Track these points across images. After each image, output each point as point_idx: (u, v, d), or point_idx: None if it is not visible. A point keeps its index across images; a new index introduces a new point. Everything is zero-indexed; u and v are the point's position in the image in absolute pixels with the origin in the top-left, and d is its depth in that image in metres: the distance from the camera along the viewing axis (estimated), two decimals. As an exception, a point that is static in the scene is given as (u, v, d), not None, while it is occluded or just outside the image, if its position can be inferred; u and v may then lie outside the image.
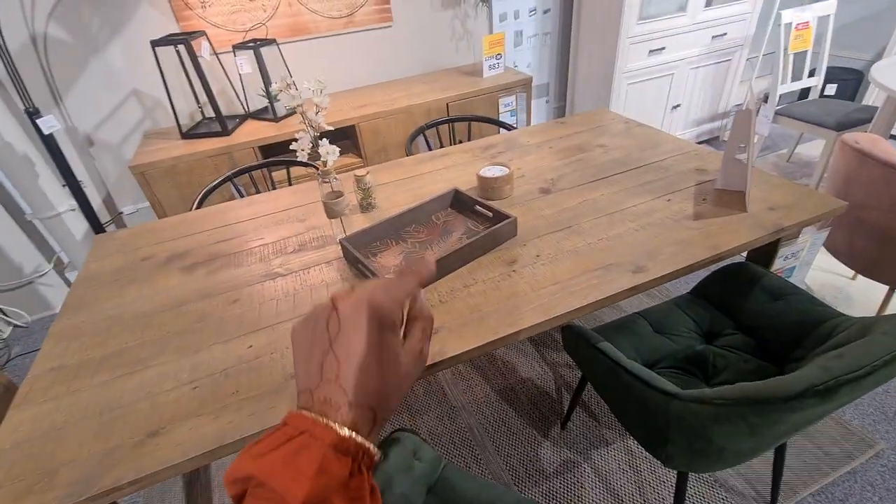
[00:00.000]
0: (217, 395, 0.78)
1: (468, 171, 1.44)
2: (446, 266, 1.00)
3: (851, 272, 1.89)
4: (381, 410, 0.31)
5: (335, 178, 1.08)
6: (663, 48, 2.53)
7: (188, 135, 1.98)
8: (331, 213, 1.10)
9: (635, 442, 1.38)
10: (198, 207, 1.50)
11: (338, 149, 1.07)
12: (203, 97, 2.00)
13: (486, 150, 1.57)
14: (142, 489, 0.70)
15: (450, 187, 1.27)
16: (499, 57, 2.32)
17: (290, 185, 1.66)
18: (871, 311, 1.72)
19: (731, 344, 1.10)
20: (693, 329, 1.17)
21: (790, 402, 0.64)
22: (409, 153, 1.73)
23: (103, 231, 1.99)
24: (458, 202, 1.24)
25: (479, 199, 1.17)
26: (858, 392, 0.65)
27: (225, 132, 1.93)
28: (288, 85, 0.96)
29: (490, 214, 1.15)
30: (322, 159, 1.02)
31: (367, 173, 1.23)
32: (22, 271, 2.05)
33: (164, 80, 1.87)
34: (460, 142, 2.03)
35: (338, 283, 1.02)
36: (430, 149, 1.89)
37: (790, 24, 2.37)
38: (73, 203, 1.95)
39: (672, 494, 1.25)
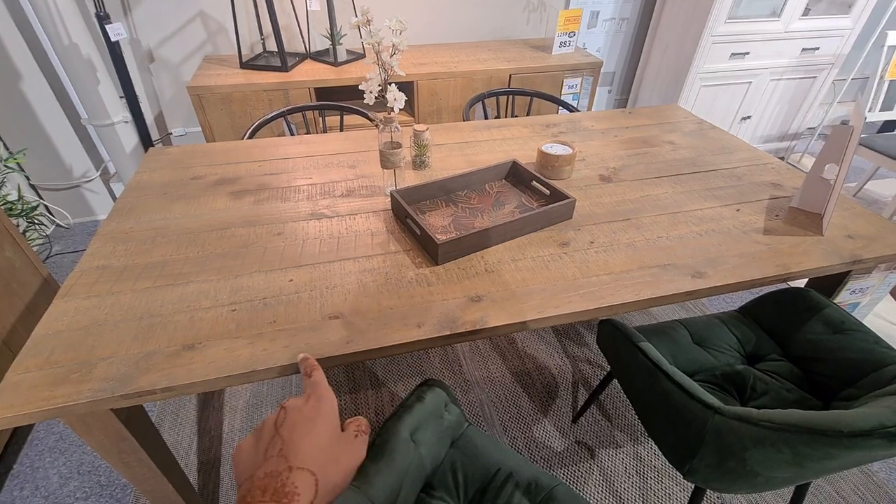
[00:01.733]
0: (254, 322, 0.78)
1: (526, 147, 1.38)
2: (496, 236, 0.96)
3: (904, 322, 1.78)
4: (321, 477, 0.33)
5: (397, 127, 1.05)
6: (747, 53, 2.37)
7: (247, 65, 1.96)
8: (386, 162, 1.07)
9: (646, 449, 1.35)
10: (249, 138, 1.49)
11: (405, 97, 1.03)
12: (268, 28, 1.96)
13: (548, 128, 1.50)
14: (172, 398, 0.70)
15: (506, 159, 1.23)
16: (572, 35, 2.21)
17: (342, 132, 1.64)
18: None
19: (775, 370, 1.05)
20: (735, 347, 1.11)
21: (854, 438, 0.60)
22: (465, 119, 1.67)
23: (152, 146, 2.01)
24: (515, 175, 1.20)
25: (538, 175, 1.12)
26: (930, 443, 0.60)
27: (284, 68, 1.91)
28: (368, 20, 0.92)
29: (547, 192, 1.11)
30: (389, 105, 0.99)
31: (427, 129, 1.19)
32: (71, 174, 2.10)
33: (233, 5, 1.84)
34: (517, 116, 1.96)
35: (382, 234, 1.00)
36: (486, 118, 1.83)
37: (894, 46, 2.18)
38: (128, 115, 1.97)
39: (676, 508, 1.22)
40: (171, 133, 2.29)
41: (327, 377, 0.45)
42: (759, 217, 1.08)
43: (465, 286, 0.86)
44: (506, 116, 1.93)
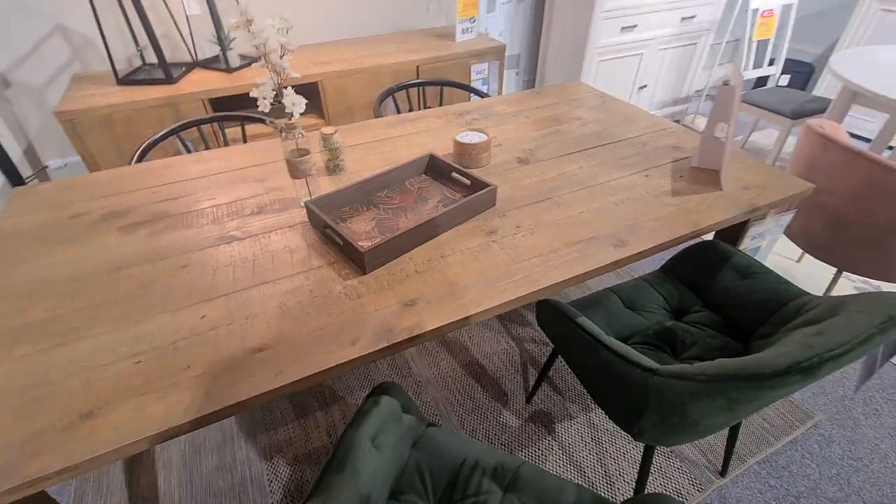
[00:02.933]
0: (165, 371, 0.69)
1: (442, 137, 1.36)
2: (423, 234, 0.93)
3: (797, 255, 2.00)
4: None
5: (301, 133, 0.98)
6: (635, 26, 2.51)
7: (126, 80, 1.76)
8: (295, 172, 1.00)
9: (597, 415, 1.41)
10: (138, 162, 1.34)
11: (304, 100, 0.96)
12: (144, 39, 1.77)
13: (461, 117, 1.49)
14: (75, 477, 0.60)
15: (423, 153, 1.20)
16: (472, 20, 2.21)
17: (245, 143, 1.52)
18: (817, 291, 1.83)
19: (699, 321, 1.12)
20: (662, 305, 1.18)
21: (774, 378, 0.64)
22: (377, 115, 1.62)
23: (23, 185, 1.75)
24: (434, 168, 1.17)
25: (457, 166, 1.10)
26: (837, 368, 0.66)
27: (169, 80, 1.73)
28: (248, 21, 0.84)
29: (468, 182, 1.09)
30: (287, 111, 0.91)
31: (336, 132, 1.13)
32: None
33: (97, 16, 1.63)
34: (429, 107, 1.93)
35: (302, 249, 0.93)
36: (398, 112, 1.78)
37: (756, 10, 2.41)
38: (-15, 152, 1.70)
39: (631, 465, 1.28)
40: (48, 166, 2.02)
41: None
42: (666, 180, 1.14)
43: (398, 291, 0.83)
44: (419, 109, 1.90)
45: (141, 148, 1.35)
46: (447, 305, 0.80)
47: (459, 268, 0.88)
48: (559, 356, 1.41)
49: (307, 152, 1.00)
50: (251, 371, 0.69)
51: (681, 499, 1.21)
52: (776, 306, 1.01)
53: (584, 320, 0.93)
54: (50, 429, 0.62)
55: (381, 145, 1.32)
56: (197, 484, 1.25)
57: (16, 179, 1.72)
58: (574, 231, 0.97)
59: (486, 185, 1.03)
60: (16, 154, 1.89)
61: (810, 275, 1.91)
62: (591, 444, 1.34)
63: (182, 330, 0.76)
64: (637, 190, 1.11)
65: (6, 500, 0.57)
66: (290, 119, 0.94)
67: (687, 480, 1.25)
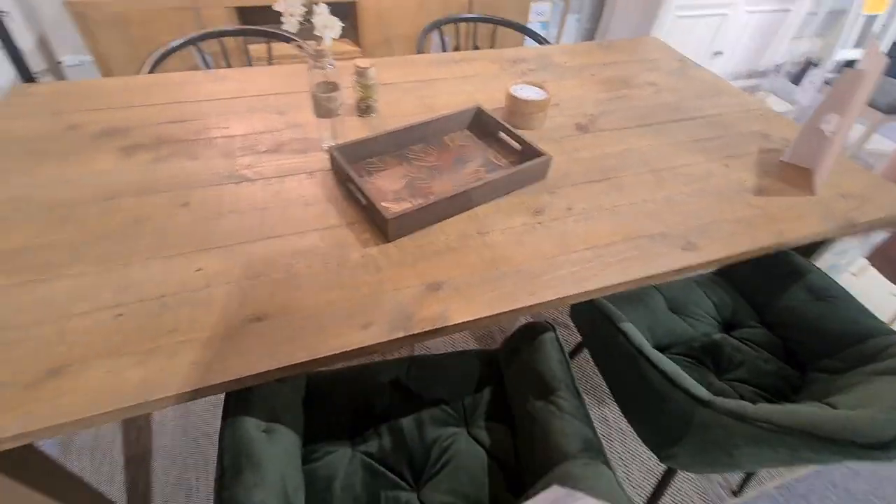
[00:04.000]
0: (148, 331, 0.60)
1: (491, 87, 1.18)
2: (458, 204, 0.80)
3: (856, 267, 1.81)
4: None
5: (331, 63, 0.82)
6: (726, -21, 2.18)
7: (146, -25, 1.57)
8: (320, 109, 0.86)
9: (612, 412, 1.32)
10: (150, 72, 1.19)
11: (340, 23, 0.80)
12: (168, -73, 1.56)
13: (516, 65, 1.29)
14: (33, 442, 0.53)
15: (470, 102, 1.03)
16: (540, -50, 1.92)
17: (270, 64, 1.36)
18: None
19: (752, 338, 0.99)
20: (712, 314, 1.05)
21: (872, 451, 0.52)
22: (419, 51, 1.43)
23: (32, 81, 1.63)
24: (480, 124, 1.01)
25: (507, 125, 0.94)
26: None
27: (193, -20, 1.54)
28: None
29: (518, 147, 0.93)
30: (316, 32, 0.75)
31: (372, 66, 0.97)
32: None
33: None
34: (477, 47, 1.72)
35: (320, 202, 0.81)
36: (444, 49, 1.58)
37: (874, -23, 2.05)
38: (-6, 38, 1.57)
39: (641, 472, 1.21)
40: (62, 62, 1.88)
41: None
42: (750, 174, 0.97)
43: (422, 270, 0.71)
44: (466, 48, 1.68)
45: (154, 57, 1.20)
46: (479, 296, 0.68)
47: (498, 250, 0.75)
48: (585, 349, 1.31)
49: (336, 87, 0.85)
50: (245, 345, 0.59)
51: (688, 515, 1.14)
52: (852, 340, 0.87)
53: (630, 328, 0.81)
54: (11, 383, 0.54)
55: (420, 87, 1.15)
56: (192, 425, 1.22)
57: (26, 73, 1.59)
58: (635, 223, 0.83)
59: (539, 153, 0.87)
60: (26, 43, 1.75)
61: (868, 294, 1.74)
62: (603, 440, 1.26)
63: (173, 283, 0.66)
64: (714, 182, 0.94)
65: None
66: (319, 44, 0.78)
67: (697, 495, 1.18)
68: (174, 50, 1.23)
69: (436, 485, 0.76)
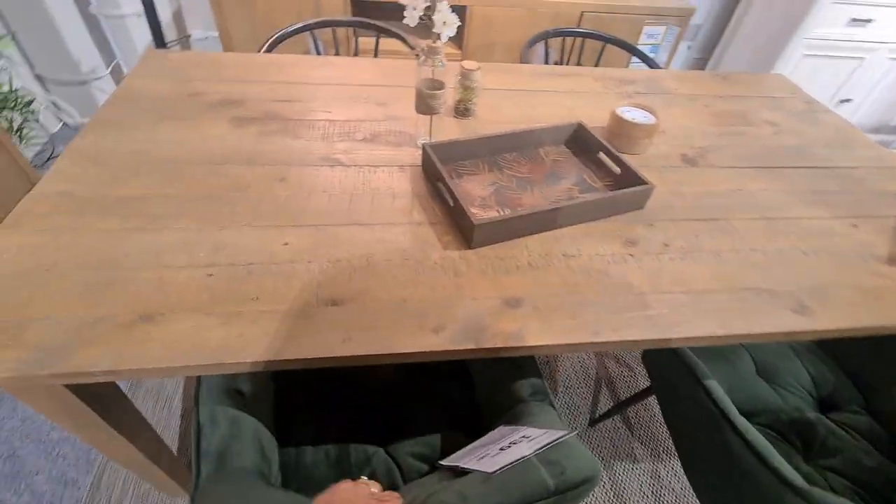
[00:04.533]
0: (233, 294, 0.62)
1: (594, 105, 1.13)
2: (547, 221, 0.76)
3: None
4: None
5: (442, 61, 0.82)
6: (870, 20, 1.96)
7: (278, -38, 1.68)
8: (422, 105, 0.86)
9: (667, 469, 1.22)
10: (267, 51, 1.27)
11: (458, 21, 0.79)
12: (304, -81, 1.66)
13: (623, 85, 1.24)
14: (116, 381, 0.56)
15: (569, 117, 0.99)
16: (663, -29, 1.84)
17: (376, 58, 1.39)
18: None
19: (853, 425, 0.87)
20: (808, 388, 0.93)
21: None
22: (524, 60, 1.41)
23: (165, 48, 1.80)
24: (579, 141, 0.97)
25: (608, 146, 0.89)
26: None
27: (319, -30, 1.63)
28: None
29: (617, 171, 0.88)
30: (435, 30, 0.75)
31: (478, 69, 0.96)
32: (79, 68, 1.91)
33: None
34: (582, 64, 1.67)
35: (406, 196, 0.81)
36: (546, 62, 1.55)
37: None
38: (140, 7, 1.74)
39: (690, 539, 1.10)
40: (190, 35, 2.06)
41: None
42: (882, 239, 0.85)
43: (502, 283, 0.68)
44: (569, 63, 1.64)
45: (272, 38, 1.28)
46: (558, 320, 0.64)
47: (583, 276, 0.71)
48: (653, 397, 1.22)
49: (442, 85, 0.84)
50: (319, 326, 0.60)
51: None
52: None
53: (715, 386, 0.73)
54: (109, 319, 0.57)
55: (521, 96, 1.13)
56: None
57: (160, 40, 1.76)
58: (739, 272, 0.75)
59: (641, 180, 0.82)
60: (165, 15, 1.94)
61: None
62: (650, 498, 1.16)
63: (262, 252, 0.68)
64: (836, 241, 0.83)
65: (44, 383, 0.54)
66: (435, 41, 0.78)
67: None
68: (291, 34, 1.30)
69: (402, 440, 0.79)
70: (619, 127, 0.96)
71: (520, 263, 0.72)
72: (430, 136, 0.91)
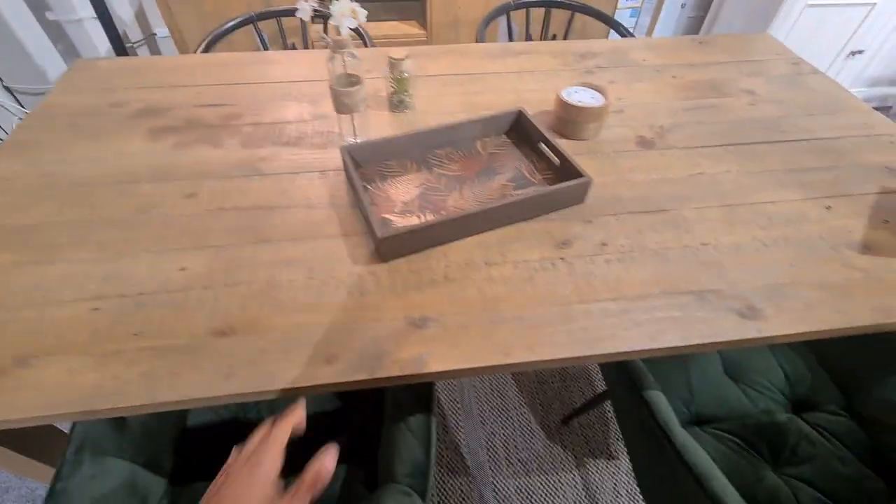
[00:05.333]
0: (115, 330, 0.58)
1: (550, 85, 1.04)
2: (467, 226, 0.70)
3: None
4: None
5: (352, 53, 0.75)
6: (882, -39, 1.77)
7: (227, -49, 1.59)
8: (339, 105, 0.79)
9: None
10: (204, 51, 1.21)
11: (362, 10, 0.72)
12: None
13: (584, 60, 1.13)
14: (-11, 431, 0.54)
15: (519, 103, 0.91)
16: (643, -75, 1.68)
17: (326, 48, 1.31)
18: None
19: (830, 428, 0.79)
20: (780, 388, 0.85)
21: None
22: (480, 39, 1.31)
23: (124, 53, 1.75)
24: (519, 130, 0.89)
25: (547, 136, 0.81)
26: None
27: (267, -43, 1.54)
28: None
29: (556, 161, 0.80)
30: (333, 22, 0.68)
31: (407, 56, 0.88)
32: (46, 77, 1.89)
33: None
34: (554, 37, 1.55)
35: (322, 206, 0.75)
36: (511, 38, 1.44)
37: None
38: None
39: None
40: (156, 34, 2.01)
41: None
42: (859, 221, 0.75)
43: (411, 300, 0.63)
44: (541, 38, 1.52)
45: (209, 37, 1.21)
46: (467, 341, 0.58)
47: (503, 287, 0.64)
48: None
49: (358, 80, 0.77)
50: (203, 361, 0.55)
51: None
52: (976, 464, 0.65)
53: (657, 399, 0.66)
54: (-17, 367, 0.55)
55: (467, 82, 1.05)
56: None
57: (118, 43, 1.71)
58: (685, 272, 0.67)
59: (577, 172, 0.74)
60: (127, 14, 1.89)
61: None
62: (624, 499, 1.12)
63: (155, 280, 0.64)
64: (806, 228, 0.74)
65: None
66: (338, 34, 0.71)
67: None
68: (229, 30, 1.23)
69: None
70: (564, 112, 0.87)
71: (435, 276, 0.66)
72: (356, 136, 0.85)
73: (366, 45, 1.24)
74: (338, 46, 0.73)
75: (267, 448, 0.38)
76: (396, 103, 0.94)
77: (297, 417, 0.42)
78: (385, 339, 0.58)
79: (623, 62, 1.13)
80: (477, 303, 0.62)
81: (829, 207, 0.78)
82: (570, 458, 1.17)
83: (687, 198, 0.78)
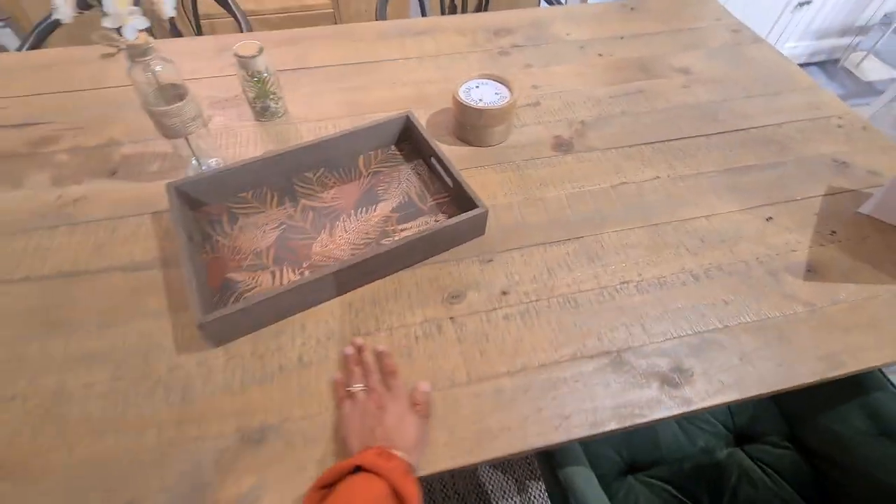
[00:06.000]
0: None
1: (457, 72, 0.87)
2: (335, 285, 0.54)
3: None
4: (410, 457, 0.41)
5: (164, 59, 0.56)
6: None
7: None
8: (162, 128, 0.60)
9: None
10: (33, 47, 0.96)
11: (171, 3, 0.53)
12: None
13: (497, 37, 0.96)
14: None
15: (414, 100, 0.76)
16: None
17: (201, 34, 1.09)
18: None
19: (773, 462, 0.71)
20: (722, 419, 0.76)
21: None
22: (380, 15, 1.10)
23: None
24: (410, 139, 0.72)
25: (436, 148, 0.65)
26: None
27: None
28: None
29: (450, 183, 0.65)
30: (107, 23, 0.49)
31: (259, 52, 0.69)
32: None
33: None
34: (478, 10, 1.36)
35: (150, 266, 0.58)
36: (423, 13, 1.24)
37: None
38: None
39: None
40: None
41: None
42: (804, 235, 0.64)
43: (250, 401, 0.48)
44: (462, 10, 1.32)
45: (41, 27, 0.96)
46: (316, 457, 0.44)
47: (372, 369, 0.50)
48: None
49: (182, 93, 0.59)
50: (-62, 535, 0.40)
51: None
52: (925, 512, 0.58)
53: (573, 477, 0.55)
54: None
55: (356, 75, 0.86)
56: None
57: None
58: (600, 324, 0.55)
59: (472, 202, 0.59)
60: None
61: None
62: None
63: None
64: (742, 248, 0.62)
65: None
66: (127, 39, 0.52)
67: None
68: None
69: None
70: (462, 115, 0.71)
71: (285, 361, 0.51)
72: (199, 162, 0.67)
73: (241, 29, 1.02)
74: (135, 54, 0.53)
75: (398, 386, 0.47)
76: (261, 111, 0.75)
77: (391, 359, 0.50)
78: (209, 465, 0.44)
79: (543, 39, 0.96)
80: (321, 403, 0.48)
81: (769, 218, 0.66)
82: None
83: (606, 217, 0.65)
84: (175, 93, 0.59)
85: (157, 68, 0.55)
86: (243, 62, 0.69)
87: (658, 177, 0.71)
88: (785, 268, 0.60)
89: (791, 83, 0.88)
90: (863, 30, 2.19)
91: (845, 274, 0.60)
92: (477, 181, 0.69)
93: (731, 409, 0.76)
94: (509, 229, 0.64)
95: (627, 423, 0.48)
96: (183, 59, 0.86)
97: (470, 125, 0.71)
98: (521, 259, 0.60)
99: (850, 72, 2.28)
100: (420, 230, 0.57)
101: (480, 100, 0.70)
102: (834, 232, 0.65)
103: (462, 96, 0.71)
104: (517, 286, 0.58)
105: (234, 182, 0.64)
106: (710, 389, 0.50)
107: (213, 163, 0.68)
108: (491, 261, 0.60)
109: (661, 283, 0.59)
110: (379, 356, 0.51)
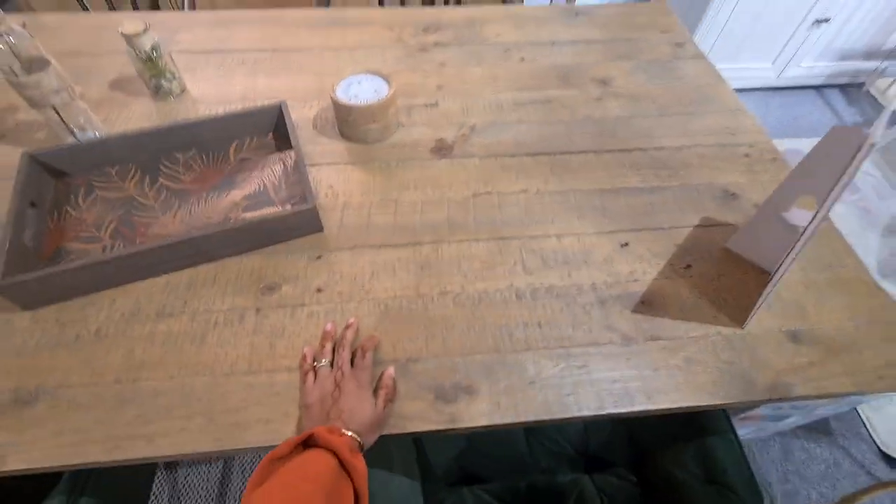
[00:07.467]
0: None
1: (369, 65, 0.86)
2: (152, 264, 0.56)
3: None
4: (364, 438, 0.44)
5: (20, 32, 0.58)
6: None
7: None
8: (26, 99, 0.63)
9: None
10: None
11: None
12: None
13: (425, 34, 0.95)
14: None
15: (319, 89, 0.76)
16: None
17: (136, 9, 1.13)
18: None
19: (613, 494, 0.69)
20: (576, 444, 0.74)
21: None
22: (320, 3, 1.11)
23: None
24: (283, 130, 0.73)
25: (296, 144, 0.65)
26: None
27: None
28: None
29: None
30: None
31: (145, 30, 0.71)
32: None
33: None
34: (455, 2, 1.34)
35: None
36: (381, 3, 1.24)
37: None
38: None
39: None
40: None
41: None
42: (653, 266, 0.61)
43: (38, 365, 0.50)
44: (431, 3, 1.30)
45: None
46: (78, 425, 0.47)
47: (160, 349, 0.52)
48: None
49: (42, 65, 0.61)
50: None
51: None
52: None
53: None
54: None
55: (268, 61, 0.87)
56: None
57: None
58: (402, 332, 0.54)
59: (302, 196, 0.59)
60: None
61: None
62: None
63: None
64: (582, 273, 0.60)
65: None
66: (-26, 9, 0.54)
67: None
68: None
69: None
70: (336, 110, 0.71)
71: (83, 332, 0.53)
72: (74, 134, 0.69)
73: (182, 6, 1.05)
74: (-12, 24, 0.56)
75: (364, 367, 0.49)
76: (154, 89, 0.78)
77: (374, 342, 0.52)
78: (-25, 421, 0.47)
79: (469, 38, 0.94)
80: (116, 370, 0.50)
81: (625, 244, 0.63)
82: None
83: (455, 226, 0.64)
84: (38, 65, 0.61)
85: (11, 39, 0.58)
86: (129, 40, 0.71)
87: (526, 190, 0.69)
88: (617, 297, 0.58)
89: (714, 105, 0.83)
90: (893, 53, 2.03)
91: (682, 310, 0.57)
92: (341, 178, 0.69)
93: (587, 433, 0.74)
94: (352, 228, 0.63)
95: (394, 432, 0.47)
96: (100, 33, 0.89)
97: (344, 120, 0.71)
98: (349, 259, 0.60)
99: (875, 98, 2.12)
100: (244, 219, 0.57)
101: (356, 96, 0.70)
102: (689, 266, 0.61)
103: (339, 92, 0.71)
104: (334, 285, 0.58)
105: (101, 156, 0.67)
106: (485, 410, 0.49)
107: (91, 135, 0.70)
108: (320, 257, 0.60)
109: (480, 298, 0.57)
110: (366, 340, 0.52)
